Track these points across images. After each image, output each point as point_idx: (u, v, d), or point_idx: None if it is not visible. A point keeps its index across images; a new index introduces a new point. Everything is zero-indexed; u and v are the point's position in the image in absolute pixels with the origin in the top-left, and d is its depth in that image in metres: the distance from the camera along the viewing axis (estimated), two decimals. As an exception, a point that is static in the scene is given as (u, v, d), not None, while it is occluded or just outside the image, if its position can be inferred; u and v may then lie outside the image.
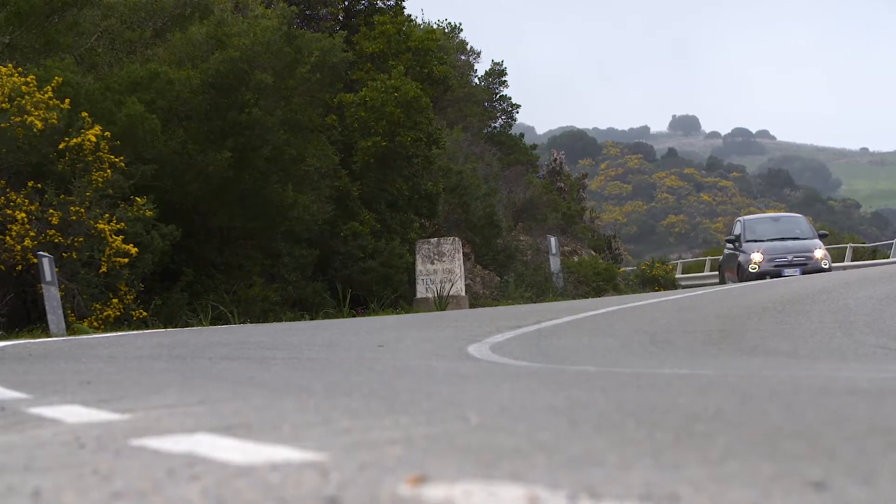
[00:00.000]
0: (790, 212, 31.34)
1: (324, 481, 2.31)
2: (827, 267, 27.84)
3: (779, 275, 26.73)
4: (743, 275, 27.81)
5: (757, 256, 27.81)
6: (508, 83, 43.30)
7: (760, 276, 27.29)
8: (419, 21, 33.86)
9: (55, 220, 18.85)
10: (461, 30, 40.83)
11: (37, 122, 19.03)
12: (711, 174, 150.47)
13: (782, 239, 28.73)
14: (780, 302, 11.03)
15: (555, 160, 43.69)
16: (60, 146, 19.47)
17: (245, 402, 4.25)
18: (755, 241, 28.73)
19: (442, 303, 22.20)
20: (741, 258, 28.08)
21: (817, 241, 28.84)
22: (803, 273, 26.69)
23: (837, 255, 45.51)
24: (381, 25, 27.35)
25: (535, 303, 21.93)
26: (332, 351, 8.46)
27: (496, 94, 43.05)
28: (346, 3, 29.37)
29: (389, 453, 2.62)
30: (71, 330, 17.90)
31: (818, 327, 8.50)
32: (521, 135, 46.25)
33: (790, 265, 27.65)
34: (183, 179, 21.55)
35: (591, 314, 11.45)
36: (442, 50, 31.37)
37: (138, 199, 19.86)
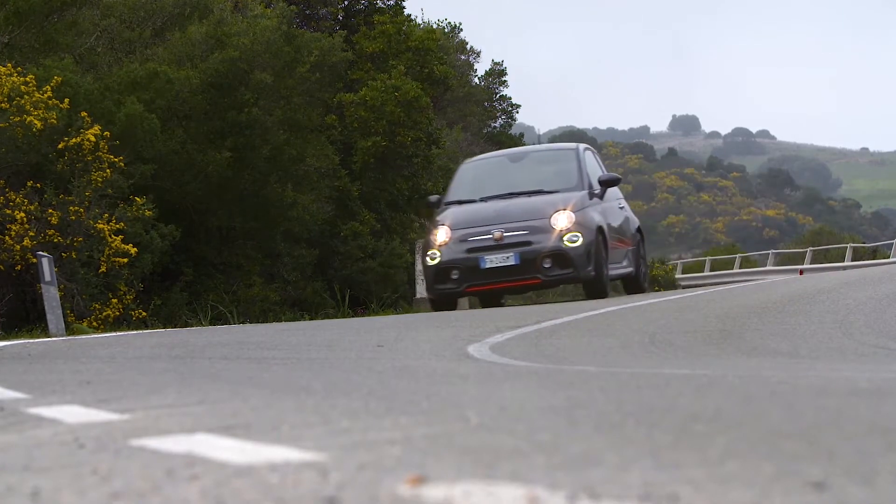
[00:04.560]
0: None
1: (323, 481, 2.31)
2: (576, 245, 15.10)
3: (476, 268, 15.20)
4: (426, 271, 15.81)
5: (442, 234, 15.42)
6: (508, 83, 43.40)
7: (445, 273, 15.43)
8: (419, 21, 33.90)
9: (54, 220, 18.84)
10: (461, 30, 40.95)
11: (36, 121, 19.03)
12: (711, 174, 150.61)
13: (508, 196, 15.85)
14: (780, 302, 11.02)
15: (554, 160, 43.64)
16: (60, 146, 19.47)
17: (244, 402, 4.24)
18: (460, 202, 16.07)
19: (442, 303, 22.12)
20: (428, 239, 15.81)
21: (577, 195, 15.58)
22: (521, 262, 15.10)
23: (837, 256, 45.52)
24: (381, 25, 27.37)
25: (535, 303, 21.92)
26: (331, 351, 8.45)
27: (496, 93, 43.08)
28: (346, 3, 29.38)
29: (389, 453, 2.62)
30: (70, 330, 17.88)
31: (818, 327, 8.49)
32: (521, 135, 46.32)
33: (497, 248, 15.11)
34: (182, 179, 21.56)
35: (591, 314, 11.44)
36: (442, 50, 31.38)
37: (138, 198, 19.86)
